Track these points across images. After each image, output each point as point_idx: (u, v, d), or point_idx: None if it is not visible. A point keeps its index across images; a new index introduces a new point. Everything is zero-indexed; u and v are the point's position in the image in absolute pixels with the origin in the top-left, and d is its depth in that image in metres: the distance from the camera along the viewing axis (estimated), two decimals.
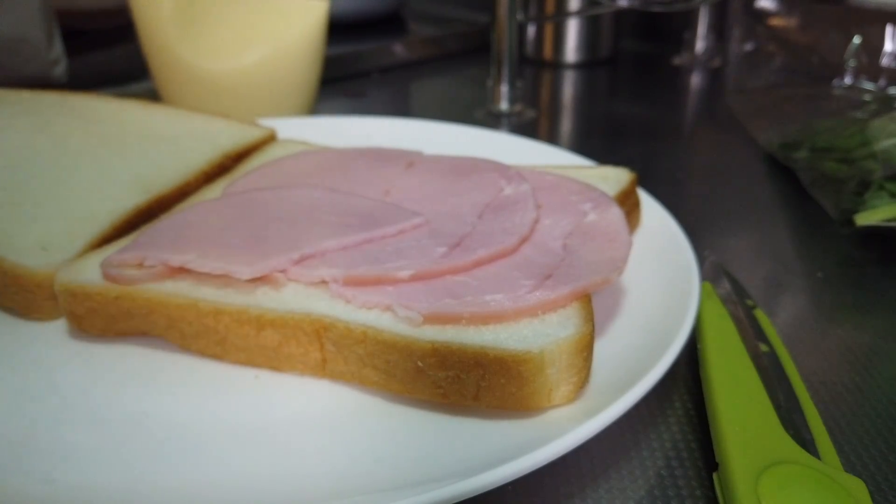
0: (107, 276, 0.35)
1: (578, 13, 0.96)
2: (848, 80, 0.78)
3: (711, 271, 0.41)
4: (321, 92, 0.73)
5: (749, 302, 0.38)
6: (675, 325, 0.33)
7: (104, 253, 0.37)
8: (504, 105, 0.77)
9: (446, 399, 0.30)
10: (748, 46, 0.94)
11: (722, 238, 0.51)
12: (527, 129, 0.74)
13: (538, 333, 0.30)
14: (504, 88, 0.77)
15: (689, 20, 0.98)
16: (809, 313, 0.42)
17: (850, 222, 0.49)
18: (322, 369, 0.33)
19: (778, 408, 0.29)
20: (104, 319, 0.35)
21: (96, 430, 0.30)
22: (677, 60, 0.99)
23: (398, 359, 0.30)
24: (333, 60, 0.82)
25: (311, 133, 0.57)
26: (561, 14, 0.96)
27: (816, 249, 0.49)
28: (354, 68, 0.91)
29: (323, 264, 0.34)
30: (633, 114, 0.82)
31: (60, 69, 0.71)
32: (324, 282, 0.34)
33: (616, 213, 0.37)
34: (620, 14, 0.99)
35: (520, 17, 0.75)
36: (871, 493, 0.25)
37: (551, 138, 0.73)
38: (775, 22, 0.90)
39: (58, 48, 0.70)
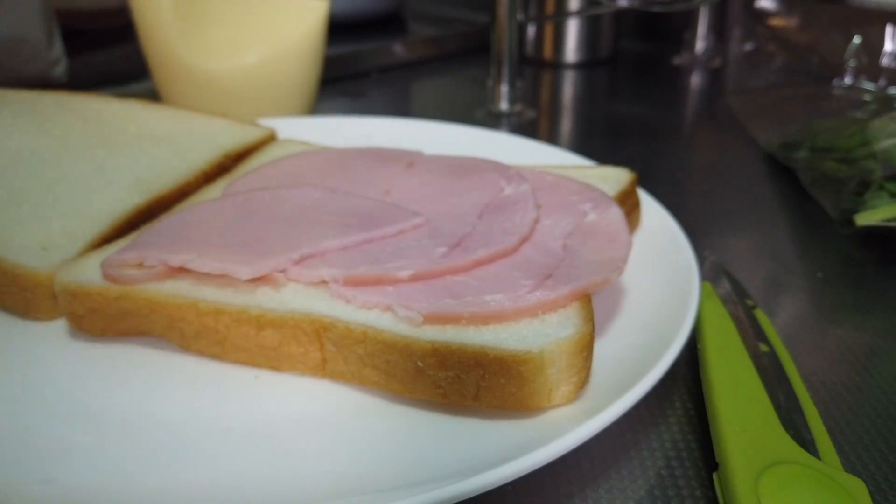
0: (107, 276, 0.35)
1: (578, 13, 0.96)
2: (848, 80, 0.78)
3: (711, 271, 0.41)
4: (321, 92, 0.73)
5: (749, 302, 0.38)
6: (675, 325, 0.33)
7: (104, 253, 0.37)
8: (504, 105, 0.77)
9: (446, 399, 0.30)
10: (748, 46, 0.94)
11: (722, 238, 0.51)
12: (527, 129, 0.74)
13: (538, 333, 0.30)
14: (504, 88, 0.77)
15: (689, 20, 0.98)
16: (809, 313, 0.42)
17: (850, 222, 0.49)
18: (322, 369, 0.33)
19: (778, 408, 0.29)
20: (104, 319, 0.35)
21: (96, 429, 0.30)
22: (677, 60, 0.99)
23: (398, 359, 0.30)
24: (333, 60, 0.82)
25: (311, 133, 0.57)
26: (561, 14, 0.96)
27: (816, 249, 0.49)
28: (354, 68, 0.91)
29: (323, 264, 0.34)
30: (633, 114, 0.82)
31: (60, 69, 0.71)
32: (324, 282, 0.34)
33: (616, 213, 0.37)
34: (620, 14, 0.99)
35: (520, 17, 0.75)
36: (871, 493, 0.25)
37: (551, 138, 0.73)
38: (775, 22, 0.90)
39: (58, 48, 0.70)
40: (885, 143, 0.52)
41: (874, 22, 0.77)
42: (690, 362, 0.36)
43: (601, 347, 0.32)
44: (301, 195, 0.40)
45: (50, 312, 0.37)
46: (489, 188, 0.40)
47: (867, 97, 0.68)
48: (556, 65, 0.99)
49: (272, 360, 0.33)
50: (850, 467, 0.30)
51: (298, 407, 0.31)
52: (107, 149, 0.48)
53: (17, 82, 0.63)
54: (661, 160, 0.67)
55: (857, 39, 0.78)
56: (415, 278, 0.33)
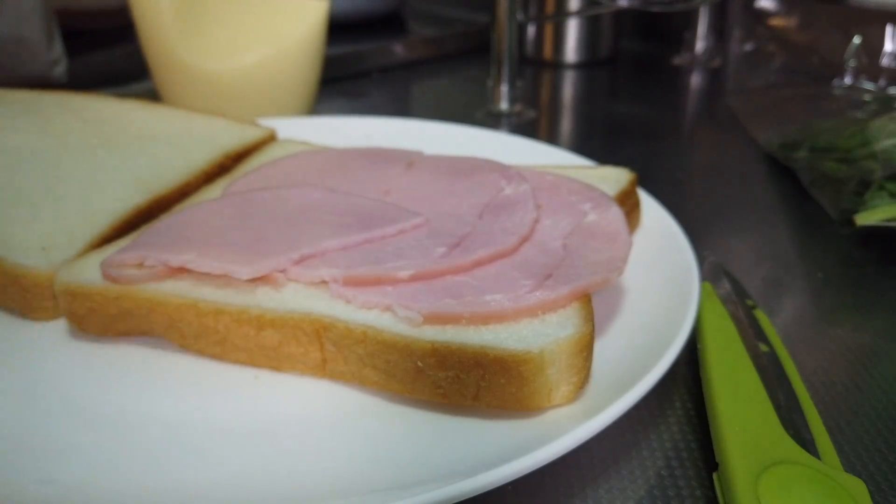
0: (107, 276, 0.35)
1: (578, 13, 0.96)
2: (848, 80, 0.78)
3: (711, 271, 0.41)
4: (321, 92, 0.73)
5: (749, 302, 0.38)
6: (675, 325, 0.33)
7: (104, 253, 0.37)
8: (504, 105, 0.77)
9: (446, 399, 0.30)
10: (748, 46, 0.94)
11: (722, 238, 0.51)
12: (527, 129, 0.74)
13: (538, 333, 0.30)
14: (504, 88, 0.77)
15: (689, 20, 0.98)
16: (809, 313, 0.42)
17: (850, 222, 0.49)
18: (322, 369, 0.33)
19: (778, 408, 0.29)
20: (104, 319, 0.35)
21: (96, 430, 0.30)
22: (677, 60, 0.99)
23: (398, 359, 0.30)
24: (333, 60, 0.82)
25: (311, 133, 0.57)
26: (561, 14, 0.96)
27: (816, 249, 0.49)
28: (354, 68, 0.91)
29: (323, 264, 0.34)
30: (633, 114, 0.82)
31: (60, 69, 0.71)
32: (324, 282, 0.34)
33: (616, 213, 0.37)
34: (620, 14, 0.99)
35: (520, 17, 0.75)
36: (871, 493, 0.25)
37: (551, 138, 0.73)
38: (775, 22, 0.89)
39: (58, 48, 0.70)
40: (885, 143, 0.52)
41: (874, 22, 0.77)
42: (690, 362, 0.36)
43: (601, 347, 0.32)
44: (301, 195, 0.40)
45: (50, 312, 0.37)
46: (489, 188, 0.40)
47: (867, 97, 0.68)
48: (556, 65, 0.99)
49: (272, 360, 0.33)
50: (850, 467, 0.30)
51: (298, 407, 0.31)
52: (107, 149, 0.48)
53: (17, 82, 0.63)
54: (661, 160, 0.67)
55: (857, 39, 0.78)
56: (415, 278, 0.33)
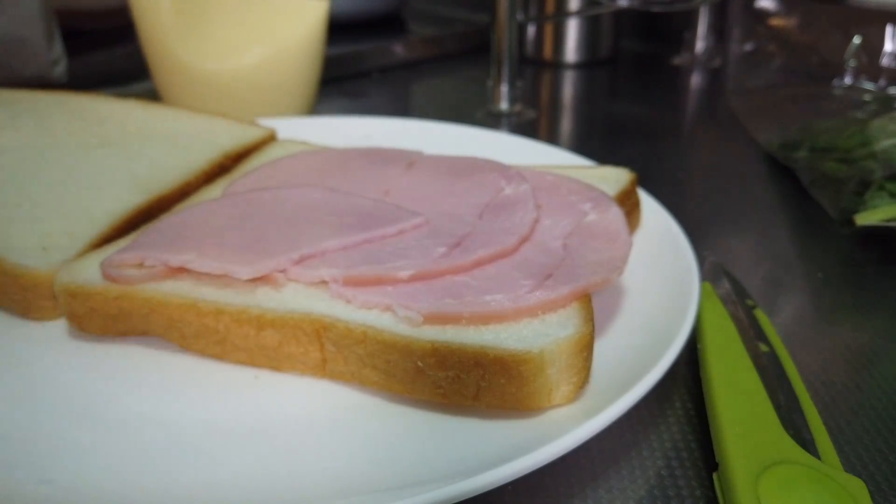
0: (107, 276, 0.35)
1: (578, 13, 0.96)
2: (848, 80, 0.78)
3: (711, 271, 0.41)
4: (321, 92, 0.73)
5: (749, 302, 0.38)
6: (675, 325, 0.33)
7: (104, 253, 0.37)
8: (504, 105, 0.77)
9: (446, 399, 0.30)
10: (748, 46, 0.94)
11: (722, 238, 0.51)
12: (527, 129, 0.74)
13: (538, 333, 0.30)
14: (504, 88, 0.77)
15: (689, 20, 0.98)
16: (809, 313, 0.42)
17: (850, 222, 0.49)
18: (322, 369, 0.33)
19: (778, 408, 0.29)
20: (104, 319, 0.35)
21: (95, 430, 0.30)
22: (677, 60, 0.99)
23: (398, 359, 0.30)
24: (333, 60, 0.82)
25: (311, 133, 0.57)
26: (561, 14, 0.96)
27: (816, 249, 0.49)
28: (354, 68, 0.91)
29: (323, 264, 0.34)
30: (633, 114, 0.82)
31: (60, 69, 0.71)
32: (324, 282, 0.34)
33: (616, 213, 0.37)
34: (620, 14, 0.99)
35: (520, 17, 0.75)
36: (871, 493, 0.25)
37: (551, 138, 0.73)
38: (775, 22, 0.90)
39: (58, 48, 0.70)
40: (885, 143, 0.52)
41: (874, 22, 0.77)
42: (690, 362, 0.36)
43: (601, 347, 0.32)
44: (301, 195, 0.40)
45: (50, 312, 0.37)
46: (489, 188, 0.40)
47: (867, 97, 0.68)
48: (556, 65, 0.99)
49: (272, 360, 0.33)
50: (850, 467, 0.30)
51: (298, 407, 0.31)
52: (107, 149, 0.48)
53: (17, 82, 0.63)
54: (661, 160, 0.67)
55: (857, 39, 0.78)
56: (415, 278, 0.33)
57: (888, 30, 0.75)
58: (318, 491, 0.26)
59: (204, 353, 0.34)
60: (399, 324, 0.31)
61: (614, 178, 0.44)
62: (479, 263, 0.34)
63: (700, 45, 0.98)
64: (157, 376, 0.33)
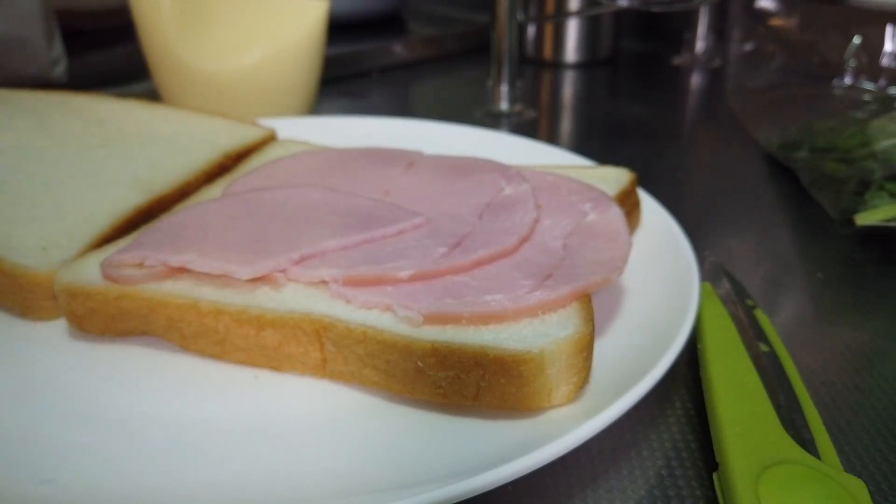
0: (107, 276, 0.35)
1: (578, 13, 0.96)
2: (848, 80, 0.78)
3: (711, 271, 0.41)
4: (321, 92, 0.73)
5: (749, 302, 0.38)
6: (675, 325, 0.33)
7: (104, 253, 0.37)
8: (504, 105, 0.77)
9: (446, 399, 0.30)
10: (748, 46, 0.94)
11: (722, 238, 0.51)
12: (527, 129, 0.74)
13: (538, 333, 0.30)
14: (504, 88, 0.77)
15: (689, 20, 0.98)
16: (809, 313, 0.42)
17: (850, 222, 0.49)
18: (322, 369, 0.33)
19: (778, 408, 0.29)
20: (104, 319, 0.35)
21: (96, 429, 0.30)
22: (677, 60, 0.99)
23: (398, 359, 0.30)
24: (333, 60, 0.82)
25: (311, 133, 0.57)
26: (561, 14, 0.96)
27: (816, 249, 0.49)
28: (354, 68, 0.91)
29: (323, 264, 0.34)
30: (633, 114, 0.82)
31: (60, 69, 0.71)
32: (324, 282, 0.34)
33: (616, 213, 0.37)
34: (620, 14, 0.99)
35: (520, 17, 0.75)
36: (871, 493, 0.25)
37: (551, 138, 0.73)
38: (775, 22, 0.89)
39: (58, 48, 0.70)
40: (885, 143, 0.52)
41: (874, 22, 0.76)
42: (690, 362, 0.36)
43: (601, 347, 0.32)
44: (301, 195, 0.40)
45: (50, 312, 0.37)
46: (489, 188, 0.40)
47: (867, 97, 0.68)
48: (556, 65, 0.99)
49: (272, 360, 0.33)
50: (850, 467, 0.30)
51: (298, 407, 0.31)
52: (107, 149, 0.48)
53: (17, 82, 0.63)
54: (661, 160, 0.67)
55: (857, 39, 0.77)
56: (415, 278, 0.33)
57: (888, 30, 0.75)
58: (318, 491, 0.26)
59: (204, 353, 0.34)
60: (399, 324, 0.31)
61: (614, 178, 0.44)
62: (479, 263, 0.34)
63: (700, 45, 0.98)
64: (157, 376, 0.33)
